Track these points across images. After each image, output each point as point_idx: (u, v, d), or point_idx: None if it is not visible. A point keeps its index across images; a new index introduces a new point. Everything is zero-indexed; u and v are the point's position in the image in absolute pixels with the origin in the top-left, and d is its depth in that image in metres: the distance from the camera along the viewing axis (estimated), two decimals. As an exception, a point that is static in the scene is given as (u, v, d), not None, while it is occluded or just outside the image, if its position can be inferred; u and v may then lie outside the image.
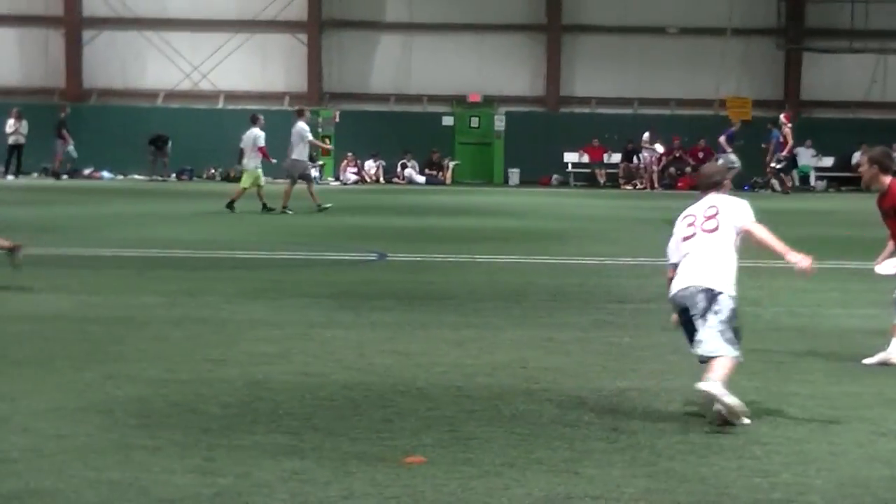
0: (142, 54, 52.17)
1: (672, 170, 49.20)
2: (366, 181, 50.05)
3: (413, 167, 51.24)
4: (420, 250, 21.72)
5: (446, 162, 51.67)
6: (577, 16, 51.29)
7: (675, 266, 9.86)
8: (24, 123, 48.41)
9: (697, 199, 10.12)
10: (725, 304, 9.48)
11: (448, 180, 51.03)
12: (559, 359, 11.75)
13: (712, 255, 9.85)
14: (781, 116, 46.20)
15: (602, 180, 49.96)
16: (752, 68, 51.21)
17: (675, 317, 9.95)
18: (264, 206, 30.62)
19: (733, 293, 9.65)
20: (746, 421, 9.18)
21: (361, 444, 8.55)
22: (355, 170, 50.25)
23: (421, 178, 50.82)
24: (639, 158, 49.28)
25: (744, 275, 18.67)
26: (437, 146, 51.32)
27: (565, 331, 13.22)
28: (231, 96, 50.92)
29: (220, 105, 51.08)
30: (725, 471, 8.05)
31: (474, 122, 51.73)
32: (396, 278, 18.51)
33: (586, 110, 51.60)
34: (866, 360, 11.73)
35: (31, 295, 15.54)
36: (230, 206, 30.30)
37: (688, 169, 47.52)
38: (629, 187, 48.77)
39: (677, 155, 49.19)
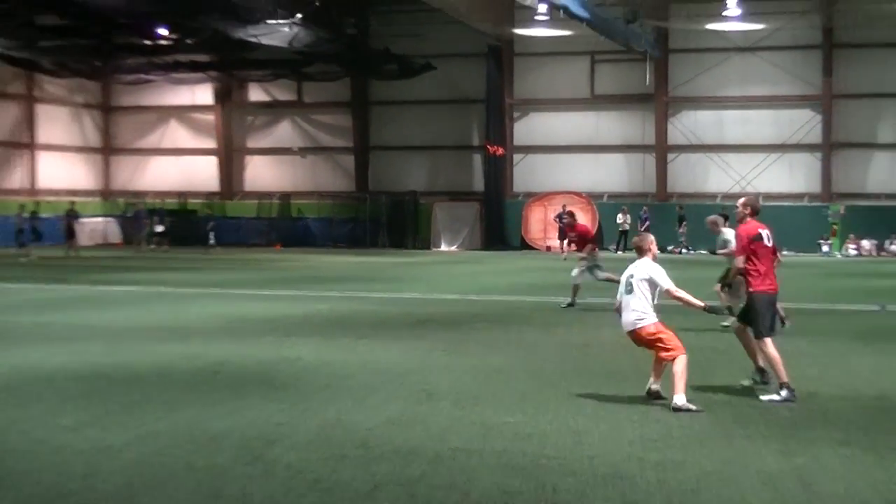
0: (705, 169, 54.78)
1: None
2: (862, 254, 50.95)
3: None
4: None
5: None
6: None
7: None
8: (629, 217, 52.94)
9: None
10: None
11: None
12: None
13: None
14: None
15: None
16: None
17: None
18: None
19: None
20: None
21: None
22: (854, 246, 51.50)
23: (898, 249, 49.11)
24: None
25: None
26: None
27: None
28: (767, 196, 49.74)
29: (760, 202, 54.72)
30: None
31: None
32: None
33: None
34: None
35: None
36: None
37: None
38: None
39: None
